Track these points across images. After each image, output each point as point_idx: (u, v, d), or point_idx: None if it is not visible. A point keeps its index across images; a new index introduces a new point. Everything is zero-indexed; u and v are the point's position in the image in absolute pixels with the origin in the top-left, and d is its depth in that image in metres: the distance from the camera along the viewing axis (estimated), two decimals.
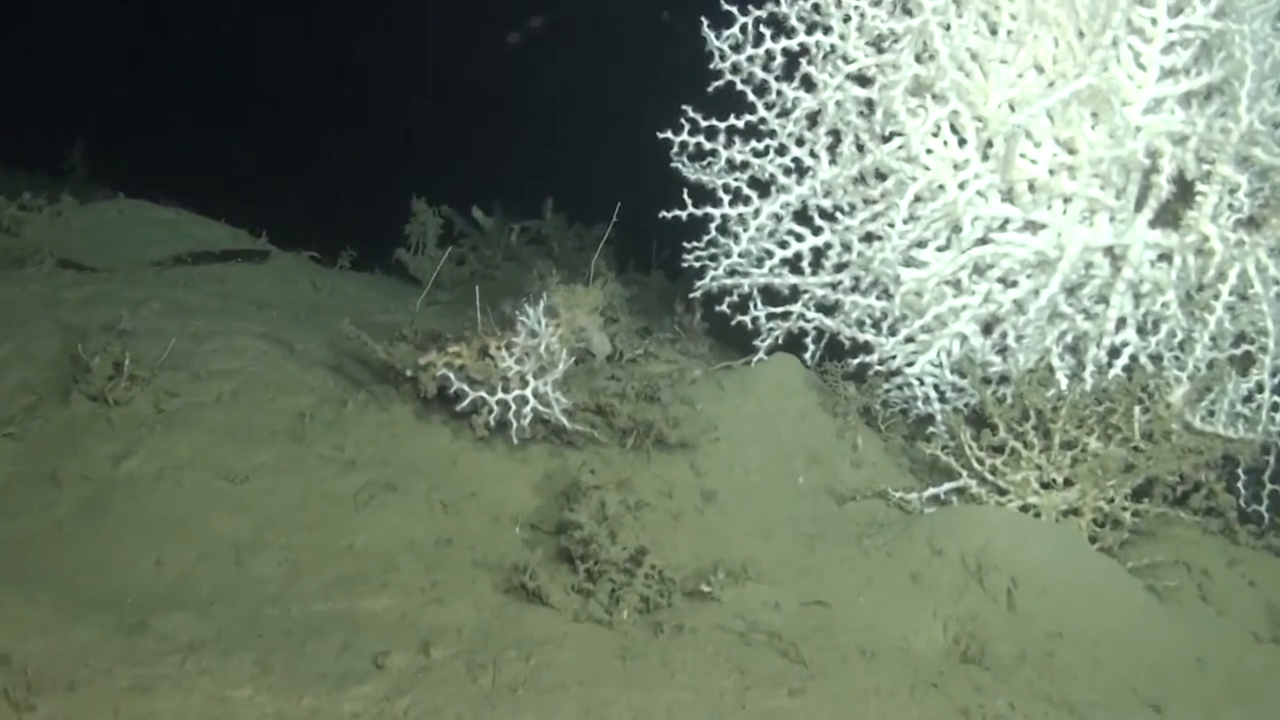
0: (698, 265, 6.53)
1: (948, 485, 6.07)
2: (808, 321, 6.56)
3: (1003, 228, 6.18)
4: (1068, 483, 5.95)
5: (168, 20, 13.35)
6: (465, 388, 5.56)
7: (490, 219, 9.90)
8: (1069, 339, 6.39)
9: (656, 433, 5.91)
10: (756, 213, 6.41)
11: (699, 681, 4.50)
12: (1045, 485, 5.98)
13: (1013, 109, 6.07)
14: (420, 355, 5.63)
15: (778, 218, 6.46)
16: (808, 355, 6.61)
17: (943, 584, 5.37)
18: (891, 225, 6.04)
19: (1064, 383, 6.28)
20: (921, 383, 6.47)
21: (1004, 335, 6.39)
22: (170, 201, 8.61)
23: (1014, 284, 6.28)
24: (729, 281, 6.50)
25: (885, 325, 6.40)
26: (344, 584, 4.82)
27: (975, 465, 6.03)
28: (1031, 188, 6.09)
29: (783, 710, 4.42)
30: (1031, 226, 6.17)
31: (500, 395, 5.60)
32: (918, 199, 6.06)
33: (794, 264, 6.52)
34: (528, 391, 5.62)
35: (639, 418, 5.89)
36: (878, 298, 6.39)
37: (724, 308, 6.56)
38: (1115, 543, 5.83)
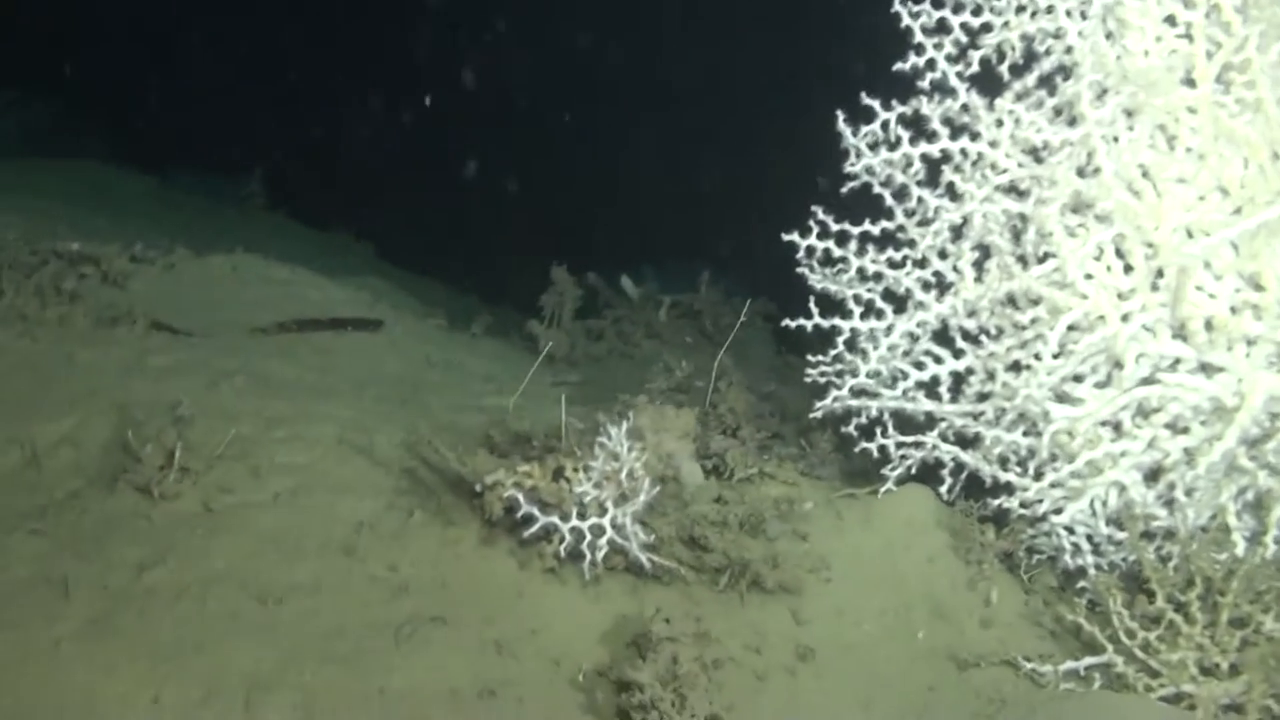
0: (822, 381, 5.82)
1: (1090, 660, 5.29)
2: (944, 453, 5.81)
3: (1173, 368, 5.37)
4: (1233, 670, 5.12)
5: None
6: (535, 511, 4.96)
7: (639, 289, 9.32)
8: (1249, 496, 5.55)
9: (753, 574, 5.24)
10: (889, 329, 5.69)
11: None
12: (1206, 671, 5.16)
13: (1190, 235, 5.27)
14: (488, 472, 5.03)
15: (913, 336, 5.74)
16: (944, 489, 5.85)
17: None
18: (1039, 358, 5.27)
19: (1241, 547, 5.45)
20: (1072, 532, 5.68)
21: (1171, 487, 5.58)
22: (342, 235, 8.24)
23: (1184, 431, 5.47)
24: (855, 403, 5.79)
25: (1032, 466, 5.61)
26: None
27: (1124, 639, 5.23)
28: (1209, 326, 5.29)
29: None
30: (1207, 369, 5.36)
31: (574, 523, 4.99)
32: (1072, 329, 5.29)
33: (930, 388, 5.79)
34: (605, 520, 5.00)
35: (734, 554, 5.23)
36: (1024, 434, 5.63)
37: (851, 429, 5.84)
38: None
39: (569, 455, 5.04)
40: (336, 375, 6.58)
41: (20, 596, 4.61)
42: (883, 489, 5.91)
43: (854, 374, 5.74)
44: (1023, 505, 5.63)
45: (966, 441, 5.79)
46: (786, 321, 5.73)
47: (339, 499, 5.32)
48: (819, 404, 5.81)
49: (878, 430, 5.80)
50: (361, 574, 4.99)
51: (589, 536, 4.99)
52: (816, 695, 4.98)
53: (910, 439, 5.81)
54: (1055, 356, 5.34)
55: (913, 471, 5.92)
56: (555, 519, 4.99)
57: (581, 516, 5.01)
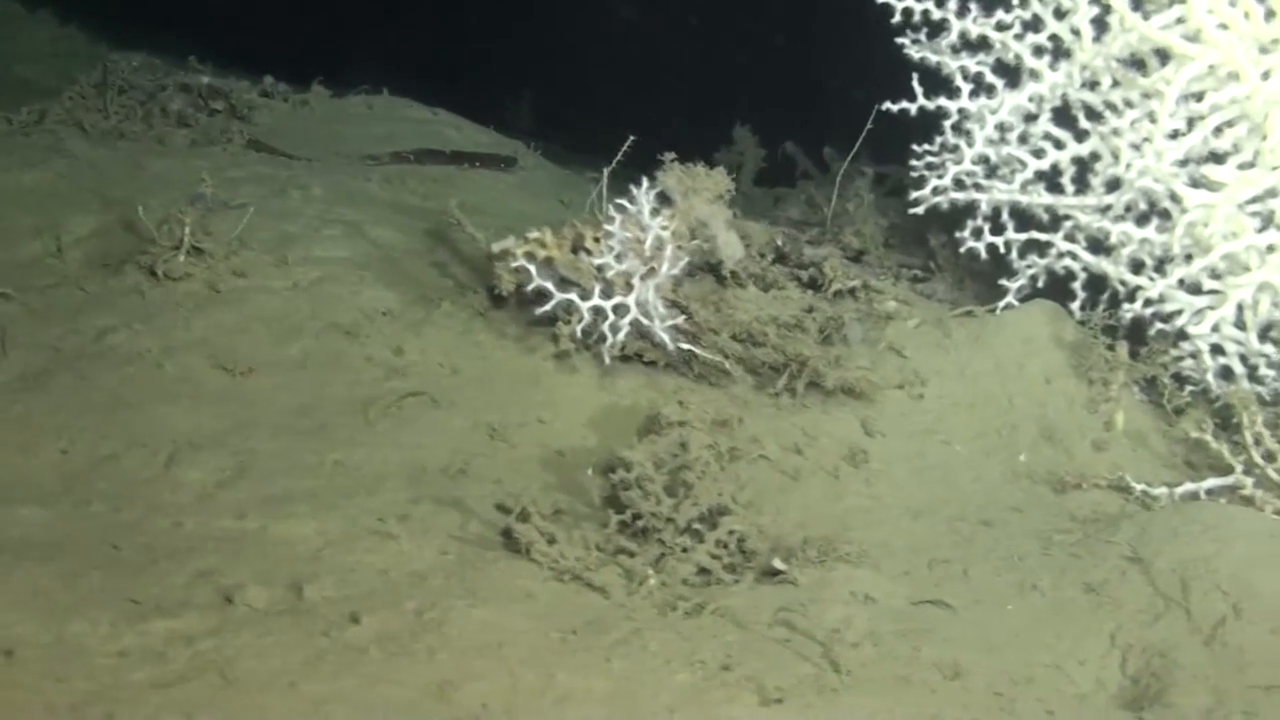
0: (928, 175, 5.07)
1: (1213, 481, 4.44)
2: (1075, 260, 4.98)
3: None
4: None
5: None
6: (550, 286, 4.38)
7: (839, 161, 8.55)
8: None
9: (811, 371, 4.54)
10: (999, 107, 4.88)
11: (644, 678, 3.16)
12: None
13: None
14: (498, 241, 4.47)
15: (1028, 116, 4.93)
16: (1075, 305, 5.03)
17: (1134, 602, 3.80)
18: (1154, 120, 4.42)
19: None
20: (1220, 351, 4.79)
21: None
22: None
23: None
24: (959, 195, 5.01)
25: (1167, 268, 4.75)
26: (280, 502, 3.73)
27: (1259, 459, 4.37)
28: None
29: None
30: None
31: (596, 301, 4.38)
32: (1196, 89, 4.42)
33: (1053, 181, 4.97)
34: (630, 299, 4.38)
35: (791, 350, 4.54)
36: (1159, 230, 4.77)
37: (966, 235, 5.06)
38: None
39: (590, 224, 4.44)
40: (436, 201, 6.07)
41: None
42: (1002, 304, 5.12)
43: (958, 161, 4.96)
44: (1158, 317, 4.78)
45: (1100, 245, 4.96)
46: (887, 104, 4.98)
47: (368, 289, 4.83)
48: (915, 194, 5.04)
49: (987, 229, 5.01)
50: (359, 354, 4.49)
51: (611, 317, 4.38)
52: (861, 500, 4.27)
53: (1026, 239, 5.00)
54: (1183, 128, 4.48)
55: (1039, 285, 5.11)
56: (574, 296, 4.39)
57: (606, 295, 4.40)
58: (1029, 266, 5.07)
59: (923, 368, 4.90)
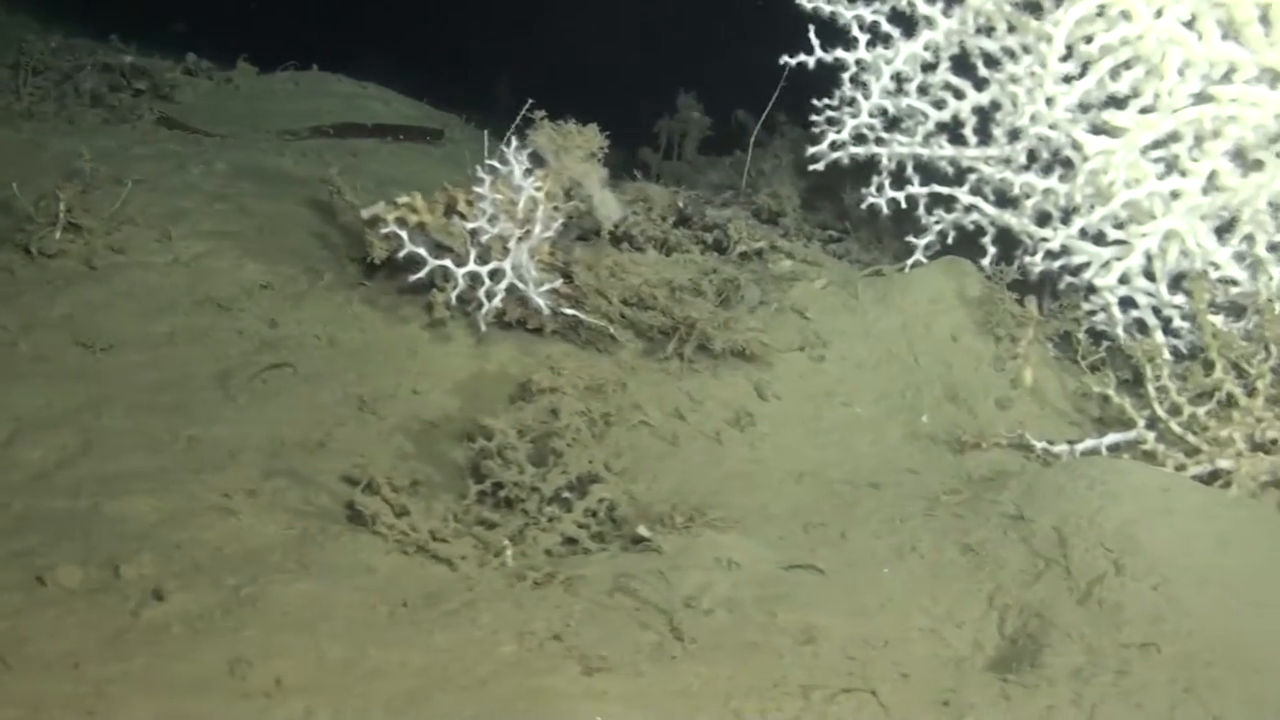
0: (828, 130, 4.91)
1: (1114, 437, 4.29)
2: (982, 214, 4.82)
3: (1227, 79, 4.28)
4: None
5: None
6: (423, 252, 4.24)
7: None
8: None
9: (700, 335, 4.39)
10: (894, 57, 4.72)
11: (465, 651, 3.02)
12: (1258, 446, 4.11)
13: None
14: (368, 206, 4.33)
15: (927, 65, 4.77)
16: (985, 261, 4.87)
17: (1015, 562, 3.64)
18: (1044, 65, 4.25)
19: None
20: (1133, 305, 4.64)
21: (1249, 240, 4.49)
22: None
23: (1256, 165, 4.38)
24: (859, 150, 4.85)
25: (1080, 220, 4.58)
26: (121, 479, 3.59)
27: (1163, 414, 4.21)
28: (1265, 19, 4.18)
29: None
30: (1270, 77, 4.25)
31: (472, 267, 4.24)
32: (1086, 29, 4.26)
33: (955, 132, 4.81)
34: (507, 264, 4.24)
35: (678, 313, 4.39)
36: (1062, 180, 4.61)
37: (870, 191, 4.90)
38: None
39: (463, 187, 4.29)
40: (354, 175, 5.93)
41: None
42: (910, 262, 4.96)
43: (855, 114, 4.80)
44: (1066, 270, 4.62)
45: (1006, 198, 4.80)
46: (785, 58, 4.82)
47: (251, 263, 4.70)
48: (812, 149, 4.88)
49: (887, 184, 4.85)
50: (231, 329, 4.37)
51: (487, 282, 4.24)
52: (742, 465, 4.13)
53: (933, 194, 4.84)
54: (1079, 72, 4.32)
55: (949, 241, 4.96)
56: (448, 262, 4.25)
57: (483, 260, 4.26)
58: (937, 223, 4.91)
59: (826, 329, 4.76)
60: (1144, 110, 4.37)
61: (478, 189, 4.18)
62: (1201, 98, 4.30)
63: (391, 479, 3.59)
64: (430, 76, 7.91)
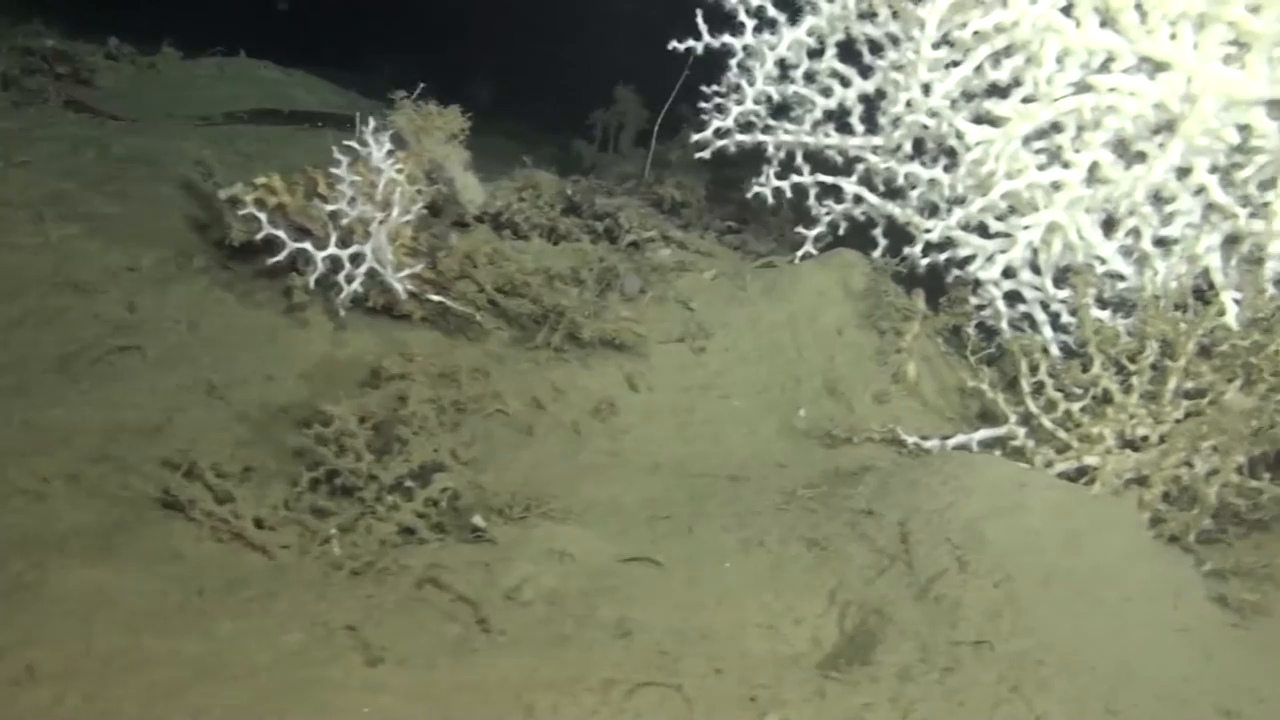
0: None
1: (984, 433, 4.20)
2: (869, 205, 4.73)
3: (1106, 68, 4.17)
4: (1162, 442, 3.95)
5: None
6: (282, 235, 4.15)
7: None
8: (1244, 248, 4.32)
9: (568, 323, 4.30)
10: (778, 42, 4.62)
11: (248, 640, 2.93)
12: (1128, 444, 4.01)
13: None
14: (226, 188, 4.25)
15: (814, 52, 4.67)
16: (876, 254, 4.78)
17: (861, 557, 3.55)
18: (918, 52, 4.15)
19: (1233, 311, 4.23)
20: (1020, 299, 4.54)
21: (1135, 235, 4.39)
22: None
23: (1137, 156, 4.27)
24: (744, 138, 4.76)
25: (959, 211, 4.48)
26: None
27: (1033, 408, 4.11)
28: (1139, 7, 4.08)
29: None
30: (1148, 66, 4.15)
31: (333, 250, 4.16)
32: (962, 15, 4.16)
33: (843, 120, 4.71)
34: (368, 248, 4.15)
35: (549, 302, 4.30)
36: (947, 170, 4.51)
37: (759, 181, 4.81)
38: (1189, 530, 3.78)
39: (324, 171, 4.20)
40: (262, 162, 5.84)
41: None
42: (799, 253, 4.87)
43: (740, 101, 4.70)
44: (952, 263, 4.52)
45: (895, 190, 4.70)
46: (674, 43, 4.72)
47: (122, 246, 4.61)
48: (695, 137, 4.79)
49: (772, 175, 4.76)
50: (87, 312, 4.27)
51: (348, 266, 4.16)
52: (598, 457, 4.04)
53: (823, 184, 4.74)
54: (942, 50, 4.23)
55: (841, 233, 4.86)
56: (308, 245, 4.17)
57: (344, 244, 4.17)
58: (827, 214, 4.81)
59: (711, 320, 4.66)
60: (1026, 100, 4.26)
61: (335, 170, 4.08)
62: (1081, 87, 4.19)
63: (218, 465, 3.51)
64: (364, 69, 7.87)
